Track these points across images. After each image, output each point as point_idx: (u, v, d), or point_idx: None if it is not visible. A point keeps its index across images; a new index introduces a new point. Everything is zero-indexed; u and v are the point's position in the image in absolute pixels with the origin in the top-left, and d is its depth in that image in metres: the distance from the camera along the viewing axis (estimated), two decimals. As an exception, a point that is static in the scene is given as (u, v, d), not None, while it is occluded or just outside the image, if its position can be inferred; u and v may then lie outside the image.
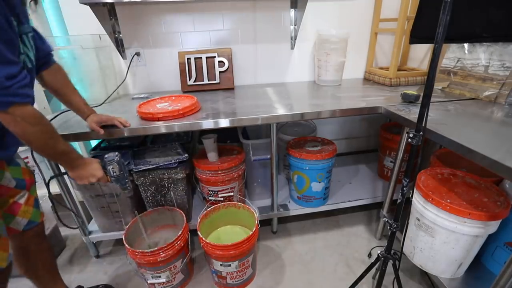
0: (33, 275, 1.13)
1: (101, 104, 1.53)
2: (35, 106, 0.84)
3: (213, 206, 1.45)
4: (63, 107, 1.64)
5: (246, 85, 1.91)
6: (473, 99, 1.40)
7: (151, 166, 1.35)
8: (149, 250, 1.18)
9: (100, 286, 1.38)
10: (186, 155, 1.40)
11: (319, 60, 1.82)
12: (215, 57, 1.72)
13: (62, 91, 1.10)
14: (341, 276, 1.43)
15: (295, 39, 1.83)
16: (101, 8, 1.51)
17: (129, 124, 1.20)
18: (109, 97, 1.60)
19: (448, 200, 1.01)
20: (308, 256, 1.56)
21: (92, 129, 1.15)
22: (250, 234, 1.24)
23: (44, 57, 1.02)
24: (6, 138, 0.90)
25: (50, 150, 0.89)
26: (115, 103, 1.60)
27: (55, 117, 1.34)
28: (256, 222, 1.32)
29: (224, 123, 1.24)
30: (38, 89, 1.41)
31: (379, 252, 1.14)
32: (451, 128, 1.03)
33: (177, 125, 1.21)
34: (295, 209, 1.67)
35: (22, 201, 0.99)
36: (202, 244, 1.25)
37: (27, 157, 1.12)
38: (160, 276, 1.27)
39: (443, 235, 1.05)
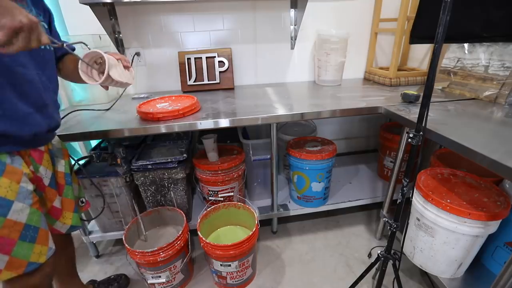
0: (55, 272, 1.12)
1: (108, 109, 1.48)
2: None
3: (213, 206, 1.45)
4: (63, 107, 1.65)
5: (246, 85, 1.91)
6: (473, 99, 1.40)
7: (149, 163, 1.35)
8: (149, 250, 1.18)
9: (112, 276, 1.39)
10: (185, 155, 1.40)
11: (319, 60, 1.82)
12: (215, 57, 1.72)
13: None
14: (341, 276, 1.43)
15: (295, 39, 1.83)
16: (101, 8, 1.51)
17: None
18: (116, 101, 1.58)
19: (448, 200, 1.01)
20: (308, 256, 1.56)
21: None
22: (250, 234, 1.24)
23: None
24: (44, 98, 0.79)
25: None
26: (115, 103, 1.60)
27: (64, 117, 1.33)
28: (256, 222, 1.32)
29: (224, 123, 1.24)
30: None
31: (379, 252, 1.14)
32: (451, 128, 1.03)
33: (177, 125, 1.21)
34: (295, 209, 1.67)
35: (58, 205, 0.94)
36: (202, 244, 1.25)
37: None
38: (160, 276, 1.27)
39: (443, 235, 1.05)
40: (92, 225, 1.56)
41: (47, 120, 0.84)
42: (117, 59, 0.91)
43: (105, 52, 0.86)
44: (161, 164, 1.36)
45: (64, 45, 0.75)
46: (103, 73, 0.84)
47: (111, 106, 1.51)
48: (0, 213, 0.71)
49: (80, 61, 0.85)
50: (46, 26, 0.84)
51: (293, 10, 1.75)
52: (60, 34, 1.13)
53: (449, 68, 1.54)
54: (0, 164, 0.72)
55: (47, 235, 0.83)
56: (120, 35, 1.67)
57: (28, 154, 0.82)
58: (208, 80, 1.75)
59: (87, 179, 1.30)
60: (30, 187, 0.78)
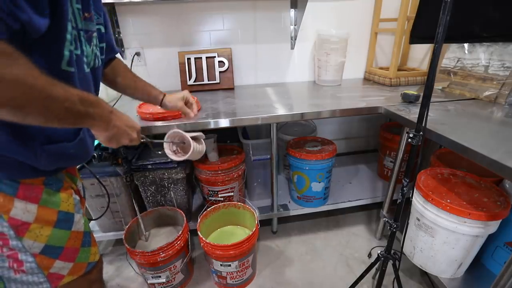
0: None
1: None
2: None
3: (213, 206, 1.45)
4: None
5: (246, 85, 1.91)
6: (473, 99, 1.40)
7: (149, 163, 1.35)
8: (149, 250, 1.18)
9: None
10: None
11: (319, 60, 1.82)
12: (215, 57, 1.72)
13: (123, 81, 0.99)
14: (341, 276, 1.43)
15: (295, 39, 1.83)
16: (101, 8, 1.51)
17: (192, 115, 1.07)
18: (117, 101, 1.57)
19: (448, 200, 1.01)
20: (308, 256, 1.56)
21: (181, 109, 1.04)
22: (250, 234, 1.24)
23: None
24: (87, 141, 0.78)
25: (58, 108, 0.51)
26: (115, 104, 1.60)
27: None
28: (256, 222, 1.32)
29: (224, 123, 1.24)
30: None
31: (379, 252, 1.14)
32: (451, 128, 1.03)
33: (177, 125, 1.21)
34: (295, 209, 1.67)
35: None
36: (202, 244, 1.25)
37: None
38: (160, 276, 1.27)
39: (443, 235, 1.05)
40: (92, 225, 1.56)
41: (93, 140, 0.84)
42: (193, 137, 0.95)
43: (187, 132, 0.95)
44: (161, 164, 1.36)
45: (146, 140, 0.90)
46: (182, 148, 0.97)
47: (112, 107, 1.51)
48: (66, 227, 0.73)
49: (165, 139, 0.94)
50: (103, 30, 0.81)
51: (293, 10, 1.75)
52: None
53: (449, 68, 1.54)
54: (58, 181, 0.73)
55: (94, 236, 0.87)
56: (120, 35, 1.67)
57: (66, 170, 0.81)
58: (208, 80, 1.75)
59: (87, 179, 1.30)
60: (78, 197, 0.80)
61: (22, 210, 0.64)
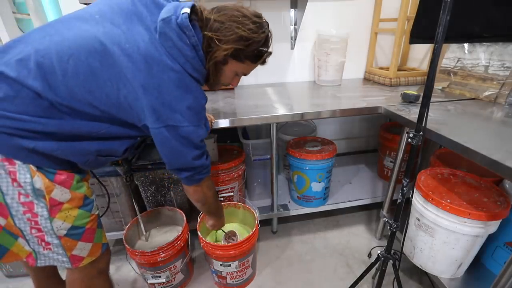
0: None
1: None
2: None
3: (213, 206, 1.45)
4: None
5: (246, 85, 1.91)
6: (473, 99, 1.40)
7: (149, 163, 1.35)
8: (149, 250, 1.18)
9: None
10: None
11: (319, 60, 1.82)
12: (215, 57, 1.72)
13: None
14: (341, 276, 1.43)
15: (295, 39, 1.83)
16: (101, 8, 1.51)
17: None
18: None
19: (448, 200, 1.01)
20: (308, 256, 1.56)
21: None
22: (250, 234, 1.24)
23: None
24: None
25: (214, 206, 1.10)
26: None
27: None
28: (256, 222, 1.32)
29: (224, 123, 1.24)
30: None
31: (379, 252, 1.14)
32: (451, 128, 1.03)
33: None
34: (295, 209, 1.67)
35: None
36: (202, 244, 1.25)
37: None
38: (160, 276, 1.27)
39: (443, 235, 1.05)
40: (92, 225, 1.56)
41: None
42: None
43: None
44: (161, 164, 1.36)
45: (223, 230, 1.36)
46: (229, 239, 1.37)
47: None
48: (88, 209, 0.86)
49: (224, 235, 1.35)
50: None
51: (293, 10, 1.75)
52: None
53: (449, 68, 1.54)
54: (84, 171, 0.87)
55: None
56: (120, 35, 1.66)
57: None
58: (208, 80, 1.75)
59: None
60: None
61: (61, 192, 0.78)
